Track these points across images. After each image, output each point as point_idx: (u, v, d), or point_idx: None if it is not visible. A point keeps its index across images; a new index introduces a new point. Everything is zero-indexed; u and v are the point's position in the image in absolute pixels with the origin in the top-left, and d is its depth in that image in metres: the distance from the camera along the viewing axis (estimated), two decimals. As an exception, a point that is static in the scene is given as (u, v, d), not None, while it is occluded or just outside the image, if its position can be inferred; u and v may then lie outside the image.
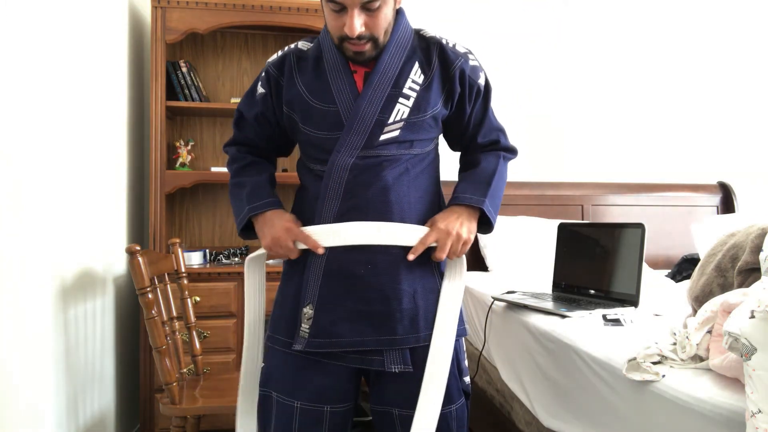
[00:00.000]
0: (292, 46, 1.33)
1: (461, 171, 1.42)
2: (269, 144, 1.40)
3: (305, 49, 1.31)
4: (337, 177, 1.22)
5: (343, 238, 1.21)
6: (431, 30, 1.33)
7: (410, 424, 1.24)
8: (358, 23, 1.15)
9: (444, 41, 1.30)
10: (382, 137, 1.23)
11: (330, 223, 1.22)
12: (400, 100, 1.23)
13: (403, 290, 1.23)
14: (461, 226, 1.24)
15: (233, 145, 1.40)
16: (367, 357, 1.23)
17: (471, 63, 1.30)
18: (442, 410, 1.24)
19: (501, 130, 1.39)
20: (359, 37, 1.16)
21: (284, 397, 1.25)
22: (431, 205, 1.31)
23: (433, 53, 1.27)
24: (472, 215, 1.28)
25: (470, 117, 1.35)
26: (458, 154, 1.47)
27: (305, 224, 1.27)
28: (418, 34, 1.31)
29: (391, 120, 1.22)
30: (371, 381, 1.29)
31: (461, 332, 1.30)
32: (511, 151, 1.39)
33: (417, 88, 1.25)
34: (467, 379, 1.32)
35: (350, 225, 1.21)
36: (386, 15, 1.18)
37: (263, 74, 1.33)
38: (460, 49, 1.31)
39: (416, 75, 1.25)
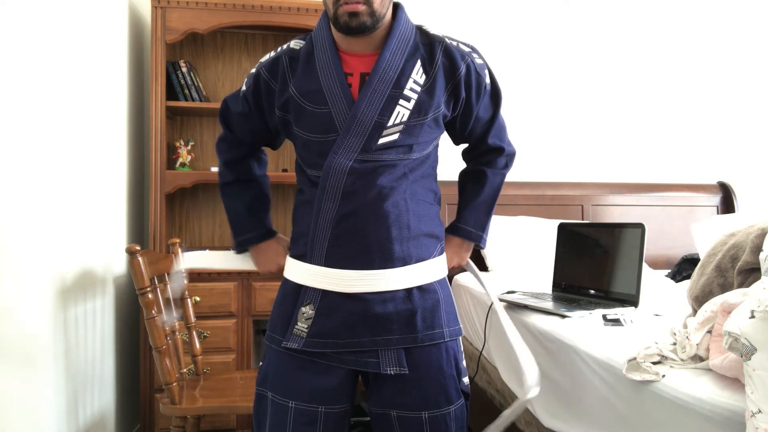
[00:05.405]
0: (285, 46, 1.29)
1: (467, 179, 1.43)
2: (254, 138, 1.39)
3: (297, 48, 1.27)
4: (334, 180, 1.19)
5: (338, 284, 1.22)
6: (433, 27, 1.28)
7: (409, 426, 1.23)
8: None
9: (448, 40, 1.26)
10: (381, 140, 1.19)
11: (329, 227, 1.21)
12: (401, 101, 1.19)
13: (400, 290, 1.22)
14: (463, 259, 1.45)
15: (220, 145, 1.42)
16: (363, 359, 1.21)
17: (477, 61, 1.27)
18: (441, 411, 1.24)
19: (505, 130, 1.41)
20: None
21: (279, 397, 1.24)
22: (429, 207, 1.29)
23: (437, 52, 1.23)
24: (471, 246, 1.45)
25: (477, 116, 1.33)
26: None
27: (303, 230, 1.27)
28: (420, 29, 1.27)
29: (390, 123, 1.19)
30: (369, 382, 1.28)
31: (456, 332, 1.29)
32: (513, 157, 1.45)
33: (418, 89, 1.21)
34: (466, 379, 1.31)
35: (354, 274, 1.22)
36: None
37: (253, 75, 1.31)
38: (465, 47, 1.27)
39: (418, 75, 1.21)
